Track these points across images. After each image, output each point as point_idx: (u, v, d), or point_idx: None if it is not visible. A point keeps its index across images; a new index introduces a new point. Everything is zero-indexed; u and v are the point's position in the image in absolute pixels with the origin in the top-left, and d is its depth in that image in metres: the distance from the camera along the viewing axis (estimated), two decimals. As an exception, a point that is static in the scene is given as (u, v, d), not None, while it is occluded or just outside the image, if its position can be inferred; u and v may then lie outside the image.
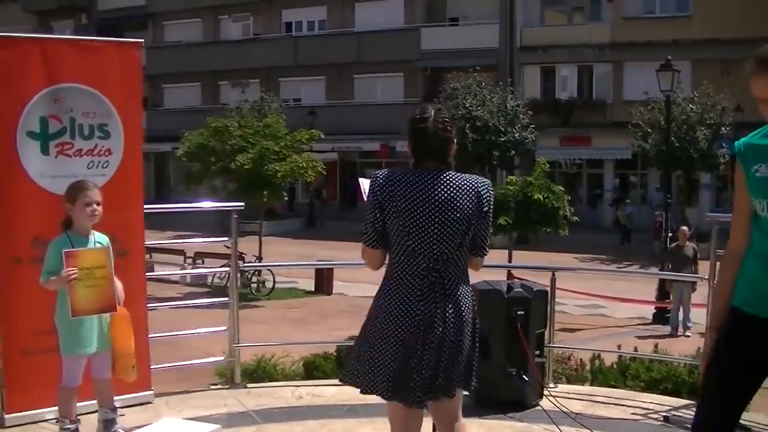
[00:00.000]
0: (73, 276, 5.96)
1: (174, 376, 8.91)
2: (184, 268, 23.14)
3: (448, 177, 4.69)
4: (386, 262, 4.88)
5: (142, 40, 8.02)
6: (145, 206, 7.84)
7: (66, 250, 6.03)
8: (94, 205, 6.18)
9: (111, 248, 6.32)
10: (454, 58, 43.36)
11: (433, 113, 4.84)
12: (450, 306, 4.64)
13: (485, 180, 4.84)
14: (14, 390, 7.19)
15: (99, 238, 6.36)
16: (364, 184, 5.37)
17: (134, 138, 7.60)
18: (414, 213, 4.60)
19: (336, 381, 8.98)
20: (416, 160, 4.78)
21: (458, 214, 4.63)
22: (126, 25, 54.19)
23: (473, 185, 4.71)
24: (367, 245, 4.76)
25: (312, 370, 9.93)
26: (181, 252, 24.60)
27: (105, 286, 6.12)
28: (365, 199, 5.08)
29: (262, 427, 7.29)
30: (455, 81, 38.41)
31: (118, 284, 6.36)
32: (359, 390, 4.89)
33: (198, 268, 24.31)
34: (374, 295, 4.90)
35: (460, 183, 4.69)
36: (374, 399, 7.98)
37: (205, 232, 23.95)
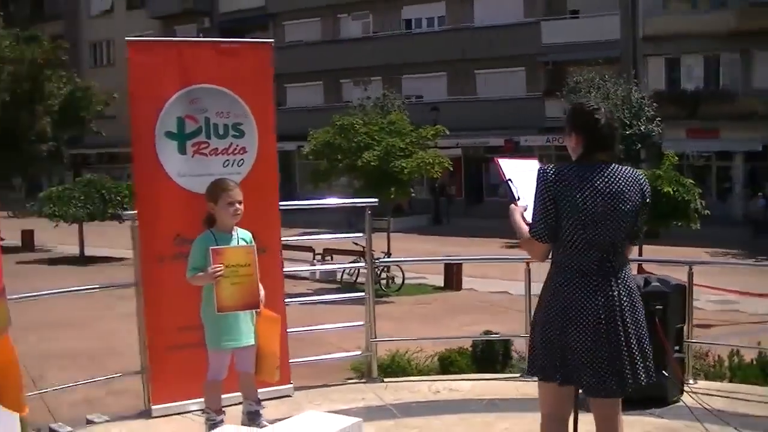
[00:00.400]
0: (218, 273, 6.10)
1: (309, 371, 9.00)
2: (313, 265, 23.35)
3: (615, 170, 4.76)
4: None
5: (272, 40, 8.13)
6: (280, 203, 7.96)
7: (212, 248, 6.18)
8: (237, 205, 6.31)
9: (255, 246, 6.44)
10: (576, 51, 42.81)
11: (602, 107, 4.89)
12: (624, 296, 4.75)
13: (641, 172, 4.91)
14: (159, 383, 7.46)
15: (242, 234, 6.50)
16: (504, 164, 5.35)
17: (268, 136, 7.73)
18: (590, 206, 4.66)
19: (473, 375, 9.07)
20: (586, 153, 4.79)
21: (629, 206, 4.72)
22: (247, 26, 55.07)
23: (636, 177, 4.80)
24: (538, 239, 4.80)
25: (447, 365, 9.90)
26: (310, 249, 24.86)
27: (249, 284, 6.25)
28: (504, 178, 5.18)
29: (401, 421, 7.33)
30: (577, 74, 37.89)
31: (261, 287, 6.48)
32: (551, 381, 4.87)
33: (327, 264, 24.53)
34: (543, 289, 4.93)
35: (626, 175, 4.76)
36: (512, 393, 8.03)
37: (330, 229, 24.18)
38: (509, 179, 5.22)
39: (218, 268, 6.10)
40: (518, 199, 5.11)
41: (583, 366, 4.71)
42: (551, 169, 4.75)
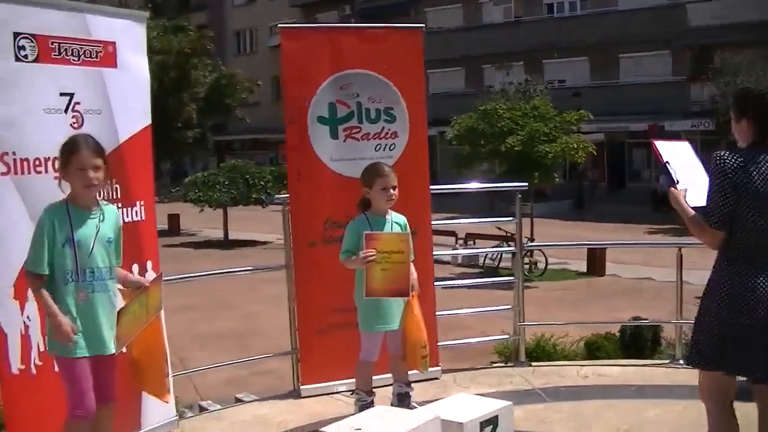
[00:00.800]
0: (371, 258, 6.17)
1: (453, 354, 9.06)
2: (455, 249, 23.38)
3: None
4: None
5: (423, 25, 8.17)
6: (430, 187, 8.01)
7: (367, 232, 6.24)
8: (391, 190, 6.37)
9: (410, 233, 6.49)
10: (723, 34, 41.52)
11: None
12: None
13: None
14: (309, 363, 7.61)
15: (396, 218, 6.55)
16: (661, 147, 5.26)
17: (419, 120, 7.79)
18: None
19: (621, 361, 8.98)
20: (758, 138, 4.72)
21: None
22: (388, 13, 55.26)
23: None
24: (715, 227, 4.73)
25: (594, 350, 9.84)
26: (452, 233, 24.91)
27: (400, 271, 6.28)
28: (662, 160, 5.11)
29: (550, 405, 7.31)
30: (725, 57, 36.75)
31: (414, 274, 6.53)
32: (721, 370, 4.83)
33: (469, 248, 24.54)
34: (716, 277, 4.85)
35: None
36: (662, 380, 7.92)
37: (471, 213, 24.14)
38: (667, 161, 5.14)
39: (370, 253, 6.16)
40: (677, 182, 5.03)
41: (758, 353, 4.63)
42: (729, 156, 4.65)
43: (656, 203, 41.38)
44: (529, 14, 51.74)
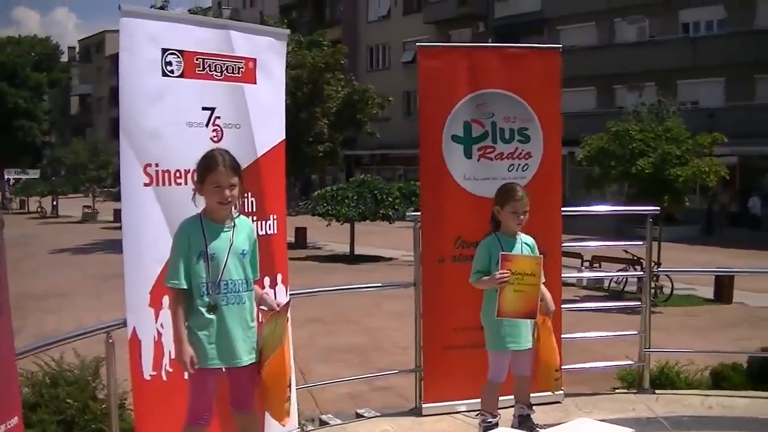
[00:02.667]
0: (505, 279, 6.18)
1: (575, 378, 8.94)
2: (581, 271, 23.13)
3: None
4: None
5: (561, 45, 8.14)
6: (562, 209, 7.97)
7: (503, 253, 6.27)
8: (521, 216, 6.38)
9: (543, 258, 6.47)
10: None
11: None
12: None
13: None
14: (432, 381, 7.61)
15: (526, 239, 6.56)
16: None
17: (553, 141, 7.77)
18: None
19: (748, 393, 8.75)
20: None
21: None
22: (522, 30, 55.13)
23: None
24: None
25: (720, 380, 9.61)
26: (578, 255, 24.67)
27: (532, 293, 6.29)
28: None
29: (673, 435, 7.18)
30: None
31: (547, 295, 6.52)
32: None
33: (594, 271, 24.27)
34: None
35: None
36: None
37: (598, 236, 23.85)
38: None
39: (505, 274, 6.18)
40: None
41: None
42: None
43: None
44: (664, 33, 50.90)
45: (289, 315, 5.48)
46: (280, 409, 5.55)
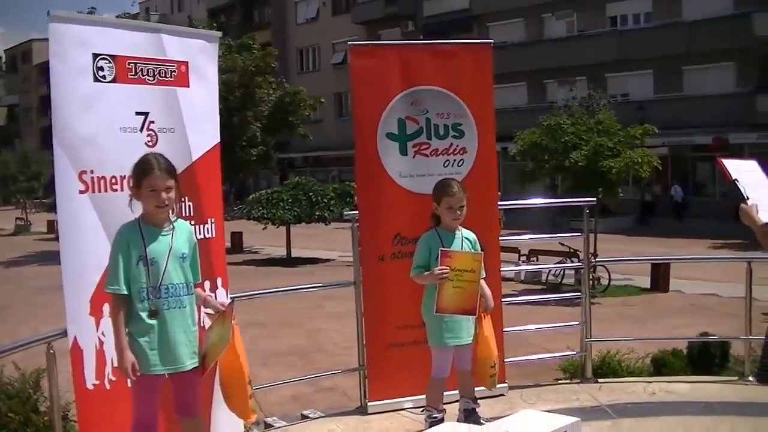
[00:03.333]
0: (444, 275, 6.20)
1: (518, 371, 9.00)
2: (519, 265, 23.29)
3: None
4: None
5: (492, 40, 8.20)
6: (498, 203, 8.02)
7: (442, 249, 6.30)
8: (458, 211, 6.40)
9: (483, 254, 6.51)
10: (791, 43, 40.94)
11: None
12: None
13: None
14: (377, 379, 7.63)
15: (466, 234, 6.59)
16: (729, 165, 5.27)
17: (487, 136, 7.81)
18: None
19: (689, 377, 8.90)
20: None
21: None
22: (451, 28, 55.38)
23: None
24: None
25: (661, 366, 9.74)
26: (515, 249, 24.86)
27: (471, 290, 6.32)
28: (731, 178, 5.09)
29: (617, 422, 7.26)
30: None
31: (487, 291, 6.57)
32: None
33: (532, 264, 24.47)
34: None
35: None
36: (732, 397, 7.86)
37: (534, 229, 24.02)
38: (735, 179, 5.14)
39: (444, 270, 6.21)
40: (747, 198, 5.02)
41: None
42: None
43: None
44: (592, 28, 51.48)
45: (235, 314, 5.45)
46: (245, 406, 5.54)
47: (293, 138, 45.13)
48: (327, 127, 57.72)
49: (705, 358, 9.67)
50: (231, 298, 5.95)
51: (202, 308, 5.51)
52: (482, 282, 6.44)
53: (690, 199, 46.05)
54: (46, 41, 5.50)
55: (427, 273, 6.33)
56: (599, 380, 8.67)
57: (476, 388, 6.96)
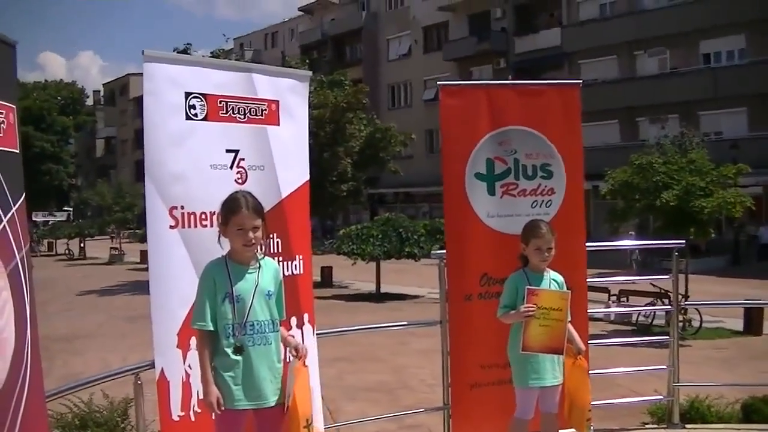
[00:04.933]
0: (530, 312, 6.18)
1: (603, 413, 8.86)
2: (608, 306, 22.98)
3: None
4: None
5: (580, 80, 8.16)
6: (587, 244, 7.95)
7: (529, 287, 6.28)
8: (545, 253, 6.39)
9: (570, 293, 6.47)
10: None
11: None
12: None
13: None
14: (461, 419, 7.60)
15: (554, 276, 6.56)
16: None
17: (576, 177, 7.78)
18: None
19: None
20: None
21: None
22: (542, 66, 55.35)
23: None
24: None
25: (750, 413, 9.51)
26: (605, 290, 24.55)
27: (558, 328, 6.29)
28: None
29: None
30: None
31: (575, 334, 6.54)
32: None
33: (622, 305, 24.13)
34: None
35: None
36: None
37: (621, 269, 23.66)
38: None
39: (531, 308, 6.19)
40: None
41: None
42: None
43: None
44: (685, 65, 50.93)
45: (304, 352, 5.47)
46: None
47: (384, 174, 45.31)
48: (417, 163, 57.89)
49: (796, 405, 9.43)
50: (306, 349, 5.88)
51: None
52: (570, 326, 6.40)
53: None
54: (142, 76, 5.64)
55: (513, 312, 6.32)
56: (687, 426, 8.57)
57: (561, 431, 6.89)
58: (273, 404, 5.25)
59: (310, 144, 6.92)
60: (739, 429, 8.49)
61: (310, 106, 6.72)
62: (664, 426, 8.62)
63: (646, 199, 25.09)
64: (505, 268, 6.79)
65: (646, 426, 9.00)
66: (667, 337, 8.80)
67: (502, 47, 61.65)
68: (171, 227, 5.62)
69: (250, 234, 5.09)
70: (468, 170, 7.46)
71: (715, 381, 11.43)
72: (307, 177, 6.69)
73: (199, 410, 5.66)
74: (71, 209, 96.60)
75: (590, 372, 7.59)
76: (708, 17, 48.07)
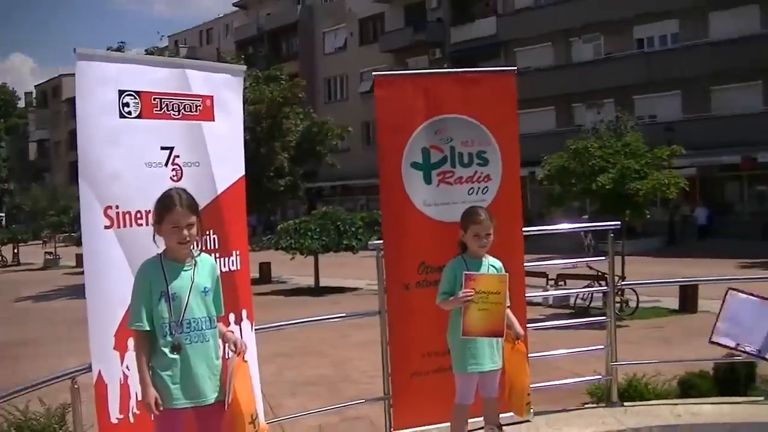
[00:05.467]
0: (468, 298, 6.22)
1: (544, 396, 8.89)
2: (547, 291, 23.20)
3: None
4: None
5: (515, 67, 8.21)
6: (523, 229, 8.02)
7: (466, 272, 6.32)
8: (484, 239, 6.43)
9: (508, 276, 6.51)
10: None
11: None
12: None
13: None
14: (401, 408, 7.56)
15: (492, 262, 6.61)
16: None
17: (512, 162, 7.80)
18: None
19: (715, 399, 8.88)
20: None
21: None
22: (479, 55, 55.61)
23: None
24: None
25: (687, 389, 9.69)
26: (543, 275, 24.76)
27: (497, 311, 6.32)
28: None
29: (643, 445, 7.24)
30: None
31: (513, 319, 6.58)
32: None
33: (560, 289, 24.34)
34: None
35: None
36: (757, 417, 7.85)
37: (562, 254, 23.85)
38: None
39: (469, 293, 6.22)
40: None
41: None
42: None
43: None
44: (619, 50, 51.54)
45: (243, 348, 5.44)
46: None
47: (321, 167, 45.27)
48: (355, 155, 57.87)
49: (731, 379, 9.62)
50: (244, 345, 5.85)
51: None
52: (508, 311, 6.45)
53: (719, 219, 45.86)
54: (75, 76, 5.57)
55: (452, 298, 6.35)
56: (625, 404, 8.64)
57: (502, 415, 6.95)
58: (213, 401, 5.21)
59: (246, 140, 6.89)
60: (675, 404, 8.63)
61: (246, 102, 6.72)
62: (603, 405, 8.70)
63: (582, 183, 25.35)
64: (443, 255, 6.82)
65: (586, 406, 9.11)
66: (605, 317, 8.89)
67: (439, 37, 61.98)
68: (106, 227, 5.55)
69: (185, 231, 5.07)
70: (404, 160, 7.44)
71: (652, 359, 11.59)
72: (243, 172, 6.66)
73: (138, 411, 5.58)
74: (3, 215, 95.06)
75: (529, 356, 7.67)
76: (641, 3, 48.77)
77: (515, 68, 8.12)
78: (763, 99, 45.49)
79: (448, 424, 6.86)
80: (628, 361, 9.48)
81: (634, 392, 9.44)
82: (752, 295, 5.14)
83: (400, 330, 7.52)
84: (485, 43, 57.64)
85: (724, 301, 5.01)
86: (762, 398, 8.75)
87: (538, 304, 23.40)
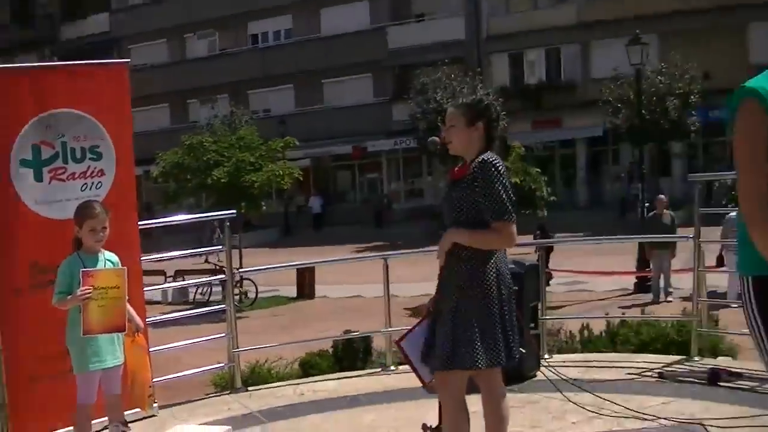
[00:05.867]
0: (87, 296, 6.08)
1: (168, 391, 8.92)
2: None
3: None
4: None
5: (129, 60, 8.16)
6: (139, 223, 8.02)
7: (84, 270, 6.13)
8: (100, 233, 6.33)
9: (126, 269, 6.44)
10: (423, 54, 43.56)
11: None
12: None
13: None
14: (21, 416, 7.23)
15: (109, 256, 6.48)
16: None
17: (126, 157, 7.76)
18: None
19: (335, 375, 9.38)
20: (488, 143, 5.15)
21: None
22: (91, 52, 54.02)
23: None
24: (514, 219, 5.04)
25: (309, 368, 10.07)
26: (162, 272, 24.57)
27: (117, 306, 6.21)
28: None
29: (268, 426, 7.52)
30: (424, 76, 38.35)
31: (133, 312, 6.52)
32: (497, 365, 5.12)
33: (176, 282, 24.18)
34: (469, 277, 5.10)
35: None
36: (375, 387, 8.42)
37: (181, 250, 23.81)
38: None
39: (87, 290, 6.05)
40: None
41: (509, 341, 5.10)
42: (498, 160, 5.03)
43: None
44: (235, 46, 52.17)
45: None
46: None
47: None
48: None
49: (350, 354, 10.13)
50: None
51: None
52: (128, 305, 6.39)
53: (333, 207, 47.71)
54: None
55: (70, 297, 6.15)
56: (249, 389, 8.89)
57: (127, 411, 6.90)
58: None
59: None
60: (298, 383, 9.12)
61: None
62: (228, 392, 8.88)
63: (197, 178, 25.52)
64: (59, 254, 6.53)
65: (210, 395, 9.20)
66: (224, 307, 9.09)
67: (48, 34, 59.57)
68: None
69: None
70: (13, 158, 7.13)
71: (271, 344, 11.92)
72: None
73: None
74: None
75: (150, 350, 7.64)
76: (256, -1, 49.53)
77: (128, 60, 8.07)
78: (373, 91, 47.77)
79: (72, 428, 6.64)
80: (248, 347, 9.70)
81: (258, 378, 9.64)
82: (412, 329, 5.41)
83: (13, 335, 7.16)
84: (98, 39, 56.30)
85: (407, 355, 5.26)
86: (379, 369, 9.38)
87: (158, 302, 23.18)
